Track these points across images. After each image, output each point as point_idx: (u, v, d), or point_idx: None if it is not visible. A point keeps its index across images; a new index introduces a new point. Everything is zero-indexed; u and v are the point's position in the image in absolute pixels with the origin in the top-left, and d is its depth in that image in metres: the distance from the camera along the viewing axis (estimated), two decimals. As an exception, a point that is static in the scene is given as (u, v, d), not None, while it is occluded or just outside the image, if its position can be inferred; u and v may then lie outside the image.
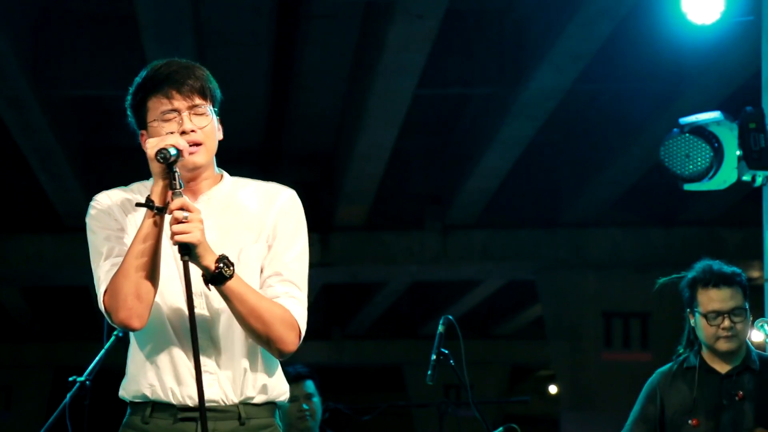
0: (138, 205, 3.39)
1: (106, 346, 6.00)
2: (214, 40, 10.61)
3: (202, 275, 3.35)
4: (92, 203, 3.56)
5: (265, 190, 3.62)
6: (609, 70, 11.40)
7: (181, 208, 3.29)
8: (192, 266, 3.35)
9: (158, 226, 3.37)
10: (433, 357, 6.14)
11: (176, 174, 3.33)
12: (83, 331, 22.59)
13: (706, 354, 5.15)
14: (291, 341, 3.46)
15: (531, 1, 10.41)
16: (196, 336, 3.31)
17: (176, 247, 3.33)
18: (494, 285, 19.25)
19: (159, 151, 3.33)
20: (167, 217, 3.34)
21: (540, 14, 10.34)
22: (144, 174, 3.56)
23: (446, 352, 6.14)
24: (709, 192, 6.42)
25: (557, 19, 9.75)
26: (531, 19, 10.64)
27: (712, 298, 5.14)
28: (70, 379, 5.94)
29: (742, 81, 10.62)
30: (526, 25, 10.82)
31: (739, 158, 5.07)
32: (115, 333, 6.02)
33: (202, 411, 3.31)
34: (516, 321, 23.03)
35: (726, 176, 5.11)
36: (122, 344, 5.99)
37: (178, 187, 3.32)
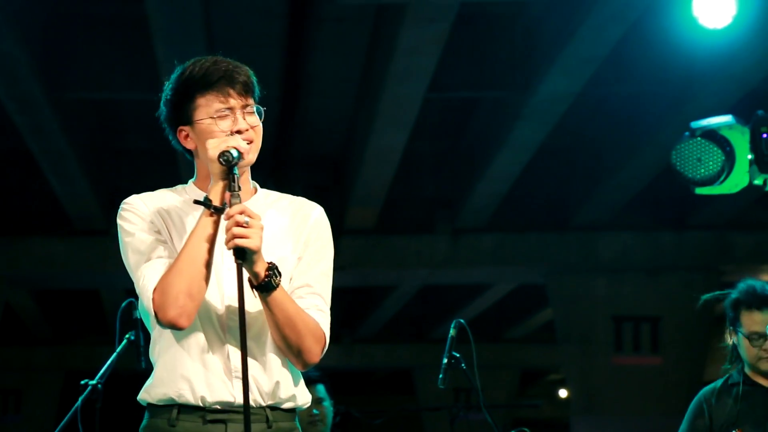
0: (196, 202, 3.40)
1: (118, 349, 6.01)
2: (224, 43, 10.62)
3: (249, 280, 3.36)
4: (124, 206, 3.56)
5: (298, 205, 3.65)
6: (619, 74, 11.39)
7: (242, 213, 3.30)
8: (226, 269, 3.40)
9: (215, 226, 3.38)
10: (445, 360, 6.15)
11: (236, 176, 3.35)
12: (93, 334, 22.65)
13: (749, 371, 5.28)
14: (316, 353, 3.50)
15: (542, 5, 10.40)
16: (245, 339, 3.32)
17: (220, 249, 3.36)
18: (504, 289, 19.23)
19: (222, 153, 3.35)
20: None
21: (550, 18, 10.33)
22: (156, 176, 3.57)
23: (458, 355, 6.14)
24: (720, 196, 6.41)
25: (568, 23, 9.74)
26: (541, 23, 10.64)
27: (755, 321, 5.23)
28: (82, 382, 5.95)
29: (754, 84, 10.61)
30: (536, 29, 10.81)
31: (751, 162, 5.05)
32: (126, 336, 6.03)
33: (246, 413, 3.32)
34: (526, 325, 23.00)
35: (737, 180, 5.09)
36: (134, 348, 6.00)
37: (237, 188, 3.33)
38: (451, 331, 6.22)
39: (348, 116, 13.22)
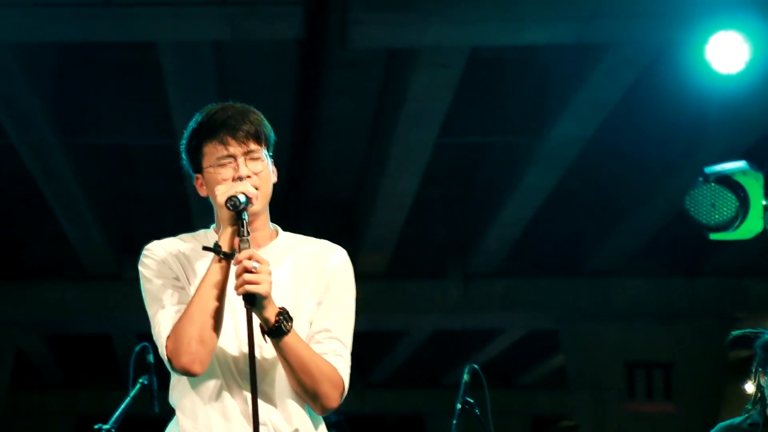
0: (205, 249, 3.40)
1: (132, 393, 6.00)
2: (236, 88, 10.65)
3: (260, 326, 3.35)
4: (145, 252, 3.57)
5: (320, 248, 3.64)
6: (632, 119, 11.38)
7: (251, 258, 3.29)
8: (241, 315, 3.38)
9: (225, 271, 3.38)
10: (459, 406, 6.12)
11: (245, 221, 3.34)
12: (106, 379, 22.61)
13: None
14: (334, 398, 3.48)
15: (553, 51, 10.42)
16: (255, 385, 3.32)
17: (235, 294, 3.34)
18: (516, 334, 19.17)
19: (229, 199, 3.34)
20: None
21: (562, 63, 10.34)
22: (168, 221, 3.57)
23: (471, 401, 6.11)
24: (734, 242, 6.40)
25: (580, 68, 9.76)
26: (553, 68, 10.65)
27: None
28: (96, 426, 5.93)
29: (767, 129, 10.60)
30: (548, 74, 10.82)
31: (765, 208, 5.05)
32: (140, 381, 6.02)
33: None
34: (538, 370, 22.92)
35: (752, 226, 5.08)
36: (147, 392, 5.99)
37: (246, 234, 3.33)
38: (465, 377, 6.19)
39: (359, 161, 13.23)
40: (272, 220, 3.70)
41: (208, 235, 3.61)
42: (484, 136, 11.97)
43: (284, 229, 3.73)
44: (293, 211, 14.32)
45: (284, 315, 3.35)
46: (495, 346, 19.81)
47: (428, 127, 10.57)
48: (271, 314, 3.33)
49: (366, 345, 21.39)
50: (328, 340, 3.53)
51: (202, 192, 3.58)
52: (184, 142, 3.58)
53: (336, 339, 3.54)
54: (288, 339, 3.36)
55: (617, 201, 13.56)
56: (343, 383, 3.51)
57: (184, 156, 3.60)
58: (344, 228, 14.86)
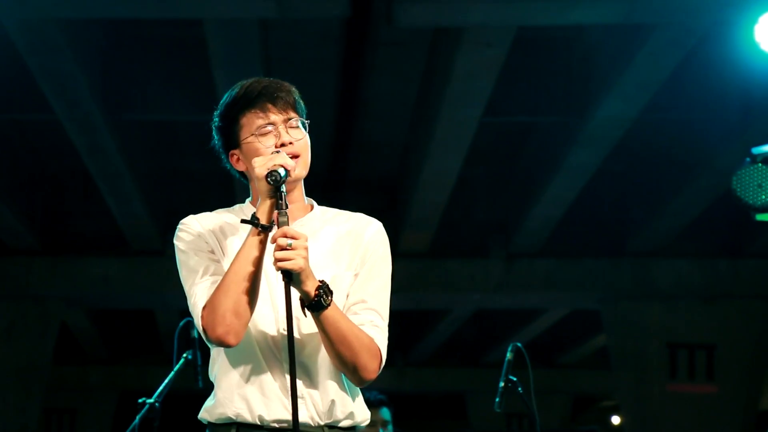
0: (243, 221, 3.41)
1: (176, 368, 6.04)
2: (281, 65, 10.67)
3: (300, 300, 3.38)
4: (181, 226, 3.60)
5: (355, 221, 3.67)
6: (677, 100, 11.32)
7: (285, 236, 3.31)
8: (280, 288, 3.40)
9: (262, 244, 3.39)
10: (501, 384, 6.12)
11: (283, 194, 3.35)
12: (148, 354, 22.77)
13: None
14: (373, 369, 3.50)
15: (599, 31, 10.37)
16: (293, 358, 3.34)
17: (273, 268, 3.36)
18: (558, 314, 19.14)
19: (270, 173, 3.35)
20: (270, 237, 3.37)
21: (608, 43, 10.30)
22: (212, 197, 3.59)
23: (514, 379, 6.12)
24: (780, 223, 6.36)
25: (625, 49, 9.71)
26: (599, 48, 10.60)
27: None
28: (140, 400, 5.99)
29: (814, 111, 10.53)
30: (593, 54, 10.77)
31: (812, 189, 5.02)
32: (184, 356, 6.06)
33: (296, 429, 3.34)
34: (580, 350, 22.87)
35: (798, 207, 5.05)
36: (191, 367, 6.03)
37: (284, 207, 3.33)
38: (508, 355, 6.19)
39: (403, 140, 13.23)
40: (316, 198, 3.72)
41: (244, 209, 3.64)
42: (529, 115, 11.93)
43: (325, 206, 3.74)
44: (337, 189, 14.35)
45: (324, 288, 3.37)
46: (537, 325, 19.78)
47: (472, 106, 10.55)
48: (310, 288, 3.35)
49: (407, 323, 21.44)
50: (365, 311, 3.55)
51: (240, 166, 3.59)
52: (216, 119, 3.60)
53: (373, 310, 3.57)
54: (328, 312, 3.38)
55: (662, 181, 13.50)
56: (381, 353, 3.54)
57: (216, 134, 3.61)
58: (387, 207, 14.87)
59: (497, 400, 6.11)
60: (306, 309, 3.39)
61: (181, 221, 3.61)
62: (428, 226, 14.35)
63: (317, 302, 3.36)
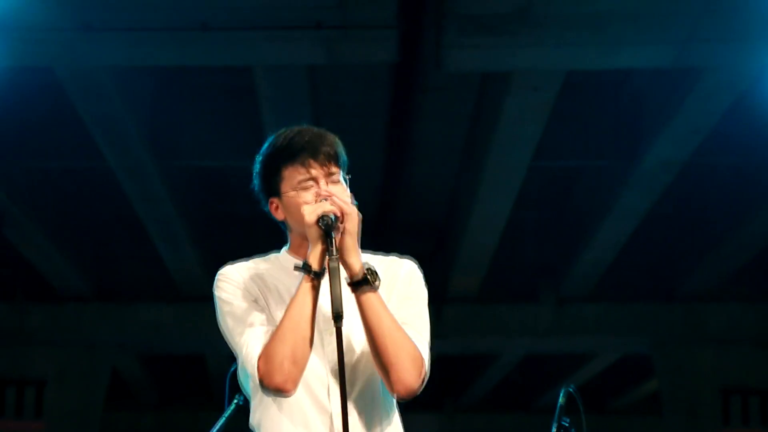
0: (296, 269, 3.39)
1: (227, 413, 6.04)
2: (330, 111, 10.71)
3: (346, 280, 3.36)
4: (220, 276, 3.59)
5: (388, 263, 3.65)
6: (728, 143, 11.26)
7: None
8: (327, 333, 3.40)
9: (315, 291, 3.37)
10: (554, 428, 6.07)
11: (333, 239, 3.34)
12: (199, 399, 22.79)
13: None
14: (413, 378, 3.40)
15: (648, 74, 10.34)
16: (345, 399, 3.29)
17: (321, 315, 3.36)
18: (609, 358, 19.01)
19: (321, 218, 3.35)
20: (324, 284, 3.35)
21: (657, 86, 10.26)
22: (261, 242, 3.59)
23: (566, 424, 6.06)
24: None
25: (675, 92, 9.67)
26: (648, 92, 10.57)
27: None
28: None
29: None
30: (643, 97, 10.75)
31: None
32: (235, 401, 6.06)
33: None
34: (631, 395, 22.70)
35: None
36: (242, 412, 6.03)
37: (335, 252, 3.32)
38: (561, 399, 6.14)
39: (452, 184, 13.23)
40: (364, 242, 3.71)
41: (279, 259, 3.63)
42: (578, 159, 11.92)
43: (375, 252, 3.73)
44: (385, 232, 14.35)
45: (372, 270, 3.36)
46: (587, 370, 19.66)
47: (522, 150, 10.54)
48: (355, 260, 3.35)
49: (457, 368, 21.36)
50: (407, 330, 3.47)
51: (278, 215, 3.59)
52: (258, 166, 3.59)
53: (413, 329, 3.49)
54: (373, 297, 3.36)
55: (712, 225, 13.41)
56: (424, 364, 3.44)
57: (257, 180, 3.61)
58: (436, 250, 14.86)
59: (551, 444, 6.07)
60: (351, 287, 3.36)
61: (219, 272, 3.61)
62: (478, 270, 14.32)
63: (364, 279, 3.35)
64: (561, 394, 6.17)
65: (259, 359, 3.40)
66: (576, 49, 8.62)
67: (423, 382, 3.45)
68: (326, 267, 3.33)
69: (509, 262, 15.11)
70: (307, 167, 3.49)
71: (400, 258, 3.68)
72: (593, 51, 8.68)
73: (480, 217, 12.26)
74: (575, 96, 10.84)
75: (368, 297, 3.37)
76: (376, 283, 3.37)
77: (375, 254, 3.67)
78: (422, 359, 3.43)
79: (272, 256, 3.65)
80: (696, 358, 15.47)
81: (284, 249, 3.65)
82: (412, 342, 3.43)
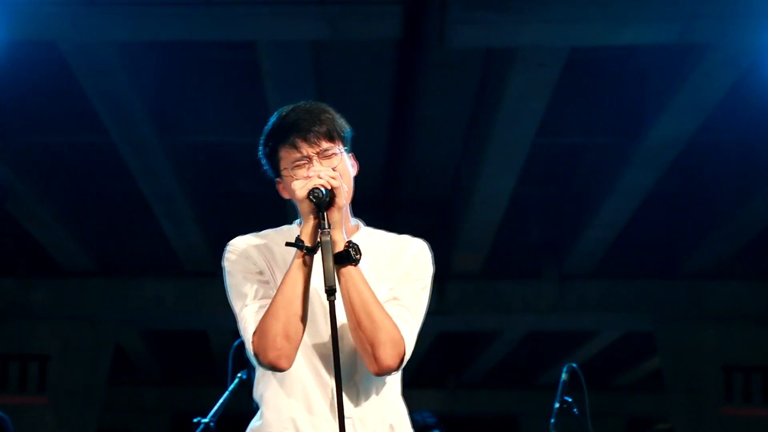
0: (288, 244, 3.42)
1: (230, 388, 6.06)
2: (334, 88, 10.71)
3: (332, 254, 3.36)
4: (228, 248, 3.62)
5: (398, 242, 3.67)
6: (731, 120, 11.24)
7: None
8: (323, 309, 3.40)
9: (307, 266, 3.40)
10: (557, 405, 6.09)
11: (324, 214, 3.36)
12: (202, 374, 22.84)
13: None
14: (391, 356, 3.41)
15: (652, 51, 10.33)
16: (339, 378, 3.32)
17: (316, 290, 3.37)
18: (612, 336, 19.03)
19: (311, 191, 3.37)
20: (317, 258, 3.38)
21: (661, 63, 10.25)
22: (265, 218, 3.60)
23: (570, 400, 6.08)
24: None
25: (679, 69, 9.66)
26: (652, 68, 10.56)
27: None
28: (195, 420, 6.01)
29: None
30: (647, 74, 10.73)
31: None
32: (238, 376, 6.08)
33: None
34: (634, 373, 22.73)
35: None
36: (245, 387, 6.05)
37: (327, 227, 3.34)
38: (563, 376, 6.16)
39: (456, 161, 13.22)
40: (368, 219, 3.72)
41: (291, 231, 3.65)
42: (582, 136, 11.90)
43: (378, 228, 3.74)
44: (389, 209, 14.36)
45: (353, 245, 3.38)
46: (590, 347, 19.68)
47: (525, 127, 10.53)
48: (340, 238, 3.37)
49: (459, 345, 21.39)
50: (396, 306, 3.51)
51: (285, 195, 3.62)
52: (260, 147, 3.62)
53: (402, 306, 3.53)
54: (354, 273, 3.38)
55: (716, 203, 13.40)
56: (404, 346, 3.45)
57: (264, 161, 3.64)
58: (440, 228, 14.86)
59: (552, 421, 6.08)
60: (336, 262, 3.36)
61: (229, 243, 3.64)
62: (481, 248, 14.33)
63: (346, 253, 3.37)
64: (564, 371, 6.18)
65: (253, 335, 3.43)
66: (580, 25, 8.61)
67: (402, 362, 3.47)
68: (319, 242, 3.35)
69: (512, 239, 15.11)
70: (298, 147, 3.52)
71: (412, 238, 3.70)
72: (597, 27, 8.67)
73: (483, 194, 12.25)
74: (579, 73, 10.84)
75: (348, 270, 3.38)
76: (357, 256, 3.38)
77: (386, 234, 3.69)
78: (401, 340, 3.44)
79: (285, 228, 3.69)
80: (698, 335, 15.48)
81: (296, 222, 3.67)
82: (392, 321, 3.44)
